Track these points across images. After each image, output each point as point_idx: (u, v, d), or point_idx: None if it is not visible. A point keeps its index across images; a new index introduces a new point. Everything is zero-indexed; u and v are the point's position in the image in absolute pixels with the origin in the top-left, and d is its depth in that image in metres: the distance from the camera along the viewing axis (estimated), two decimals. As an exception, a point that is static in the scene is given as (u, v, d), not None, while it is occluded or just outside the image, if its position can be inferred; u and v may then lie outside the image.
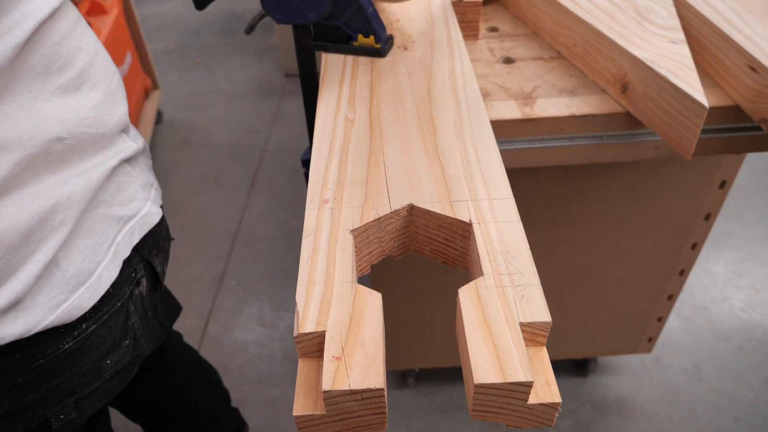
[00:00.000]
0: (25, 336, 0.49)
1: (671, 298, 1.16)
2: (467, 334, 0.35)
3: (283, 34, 2.57)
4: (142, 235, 0.59)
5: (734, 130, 0.64)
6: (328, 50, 0.65)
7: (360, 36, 0.63)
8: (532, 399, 0.34)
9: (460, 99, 0.56)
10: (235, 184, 2.10)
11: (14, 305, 0.47)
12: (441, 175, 0.47)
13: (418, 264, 1.05)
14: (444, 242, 0.45)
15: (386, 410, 0.35)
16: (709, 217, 1.00)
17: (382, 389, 0.33)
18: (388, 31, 0.66)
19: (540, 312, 0.36)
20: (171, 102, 2.56)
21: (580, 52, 0.69)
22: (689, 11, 0.67)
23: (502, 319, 0.35)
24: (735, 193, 1.85)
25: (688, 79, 0.55)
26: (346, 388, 0.33)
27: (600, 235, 1.03)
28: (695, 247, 1.06)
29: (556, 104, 0.65)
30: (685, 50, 0.60)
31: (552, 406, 0.34)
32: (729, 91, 0.62)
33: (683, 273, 1.11)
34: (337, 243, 0.42)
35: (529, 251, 0.40)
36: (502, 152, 0.66)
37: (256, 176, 2.13)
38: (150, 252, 0.63)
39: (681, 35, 0.62)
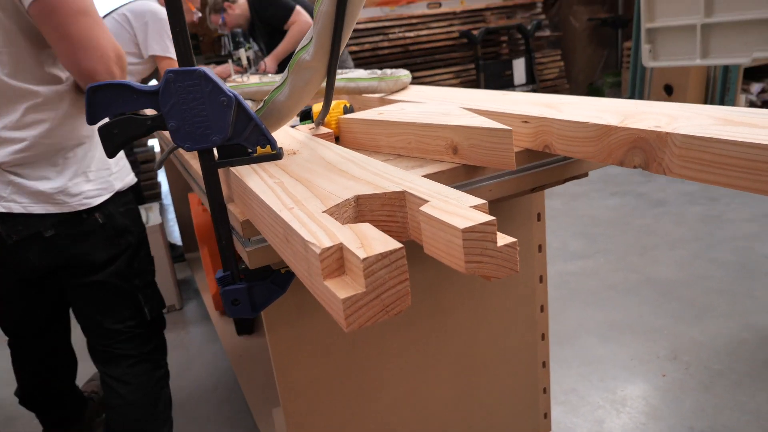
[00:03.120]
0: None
1: (545, 365, 1.34)
2: (438, 217, 0.48)
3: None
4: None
5: (540, 166, 0.92)
6: (233, 164, 0.80)
7: (258, 148, 0.79)
8: (500, 242, 0.48)
9: (353, 160, 0.74)
10: None
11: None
12: (369, 182, 0.63)
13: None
14: (387, 219, 0.59)
15: (408, 278, 0.45)
16: (541, 249, 1.25)
17: (402, 248, 0.44)
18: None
19: (474, 200, 0.51)
20: None
21: (415, 145, 0.94)
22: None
23: (454, 206, 0.50)
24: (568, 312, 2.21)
25: (494, 124, 0.82)
26: (377, 252, 0.43)
27: (472, 315, 1.20)
28: (543, 309, 1.29)
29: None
30: (482, 118, 0.88)
31: (512, 246, 0.48)
32: (518, 144, 0.91)
33: (544, 337, 1.31)
34: (317, 216, 0.53)
35: (453, 189, 0.56)
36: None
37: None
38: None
39: (472, 113, 0.92)
